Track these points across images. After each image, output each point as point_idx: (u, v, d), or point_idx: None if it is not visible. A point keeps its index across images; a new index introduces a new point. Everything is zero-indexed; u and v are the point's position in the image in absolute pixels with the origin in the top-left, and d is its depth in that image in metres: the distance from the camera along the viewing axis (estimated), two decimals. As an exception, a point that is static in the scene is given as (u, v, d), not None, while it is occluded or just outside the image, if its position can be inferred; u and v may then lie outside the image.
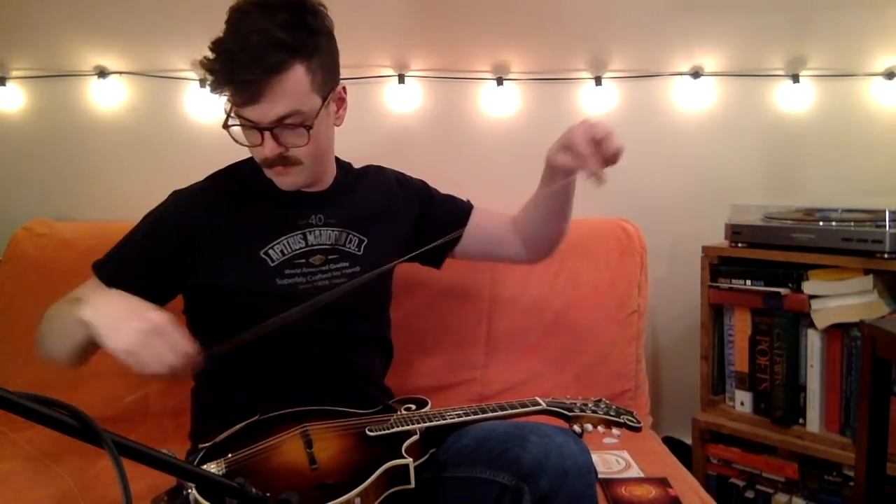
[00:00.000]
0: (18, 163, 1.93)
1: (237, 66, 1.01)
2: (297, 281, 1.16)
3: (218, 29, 1.06)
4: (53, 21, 1.82)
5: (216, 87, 1.06)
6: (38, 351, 1.10)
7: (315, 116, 1.09)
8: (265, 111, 1.05)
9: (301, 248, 1.18)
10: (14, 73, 1.87)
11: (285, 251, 1.17)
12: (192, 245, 1.15)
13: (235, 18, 1.05)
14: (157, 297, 1.10)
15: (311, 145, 1.11)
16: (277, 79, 1.03)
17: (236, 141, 1.12)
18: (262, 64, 1.02)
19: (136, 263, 1.15)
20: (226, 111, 1.08)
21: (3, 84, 1.87)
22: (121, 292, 1.03)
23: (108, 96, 1.88)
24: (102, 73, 1.86)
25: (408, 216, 1.32)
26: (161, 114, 1.90)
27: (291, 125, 1.08)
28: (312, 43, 1.07)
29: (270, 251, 1.16)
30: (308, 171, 1.16)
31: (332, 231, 1.21)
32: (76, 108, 1.89)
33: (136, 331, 0.90)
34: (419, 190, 1.37)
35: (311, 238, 1.19)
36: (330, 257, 1.19)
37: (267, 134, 1.07)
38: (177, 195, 1.22)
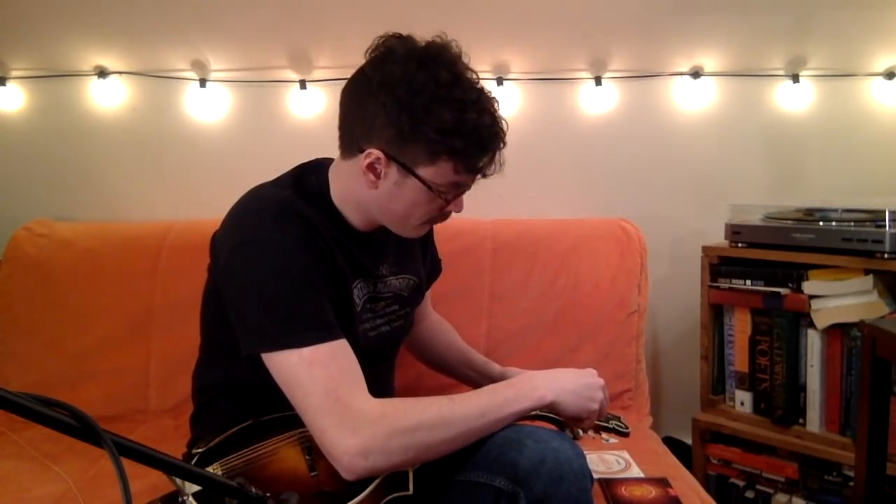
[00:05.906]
0: (18, 163, 1.93)
1: (499, 142, 1.08)
2: (366, 327, 1.13)
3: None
4: (53, 21, 1.82)
5: (485, 165, 1.07)
6: (419, 451, 0.94)
7: None
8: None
9: (369, 294, 1.13)
10: (14, 73, 1.88)
11: (360, 295, 1.11)
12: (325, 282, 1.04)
13: (477, 97, 1.08)
14: None
15: None
16: None
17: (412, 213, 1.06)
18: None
19: (326, 308, 1.00)
20: (450, 183, 1.03)
21: (3, 84, 1.87)
22: (560, 370, 1.10)
23: (108, 96, 1.88)
24: (102, 73, 1.86)
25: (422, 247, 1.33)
26: (161, 114, 1.90)
27: None
28: None
29: (353, 293, 1.09)
30: None
31: (396, 280, 1.20)
32: (76, 108, 1.89)
33: (601, 392, 1.10)
34: None
35: (380, 286, 1.16)
36: (388, 303, 1.18)
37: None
38: (284, 222, 0.99)
